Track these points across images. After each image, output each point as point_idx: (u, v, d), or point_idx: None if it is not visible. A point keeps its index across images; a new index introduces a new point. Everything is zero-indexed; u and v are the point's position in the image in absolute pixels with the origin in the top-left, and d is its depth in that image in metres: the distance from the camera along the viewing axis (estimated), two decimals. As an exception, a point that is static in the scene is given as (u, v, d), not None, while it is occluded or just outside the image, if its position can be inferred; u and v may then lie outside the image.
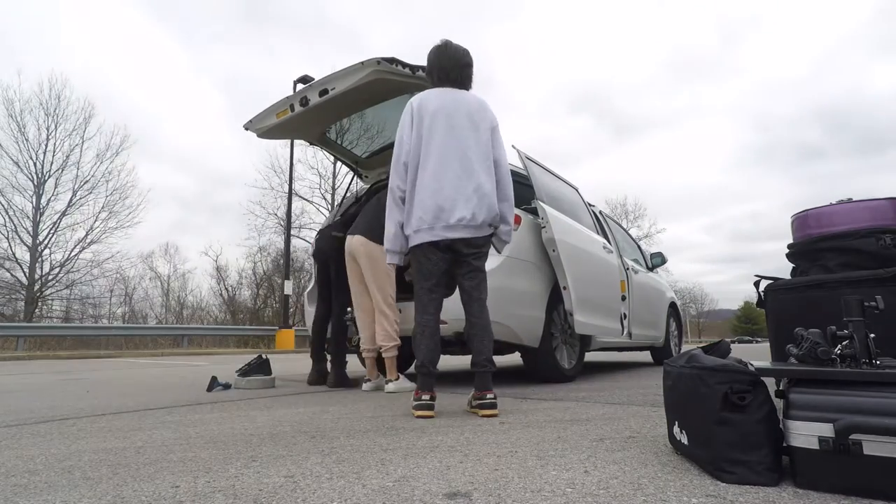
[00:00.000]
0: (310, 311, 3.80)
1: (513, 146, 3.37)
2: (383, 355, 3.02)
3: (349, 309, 3.38)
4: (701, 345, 1.50)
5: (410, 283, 3.18)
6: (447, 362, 6.37)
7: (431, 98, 2.24)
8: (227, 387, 3.27)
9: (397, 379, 3.03)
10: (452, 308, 2.92)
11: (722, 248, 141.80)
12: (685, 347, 4.10)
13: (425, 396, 2.06)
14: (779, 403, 1.11)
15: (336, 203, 7.18)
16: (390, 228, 2.22)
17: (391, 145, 3.96)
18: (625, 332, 4.23)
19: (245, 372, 3.43)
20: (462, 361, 6.50)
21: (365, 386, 3.14)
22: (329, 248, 3.48)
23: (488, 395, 2.07)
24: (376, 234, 2.99)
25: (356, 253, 3.07)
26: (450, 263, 2.19)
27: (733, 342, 33.88)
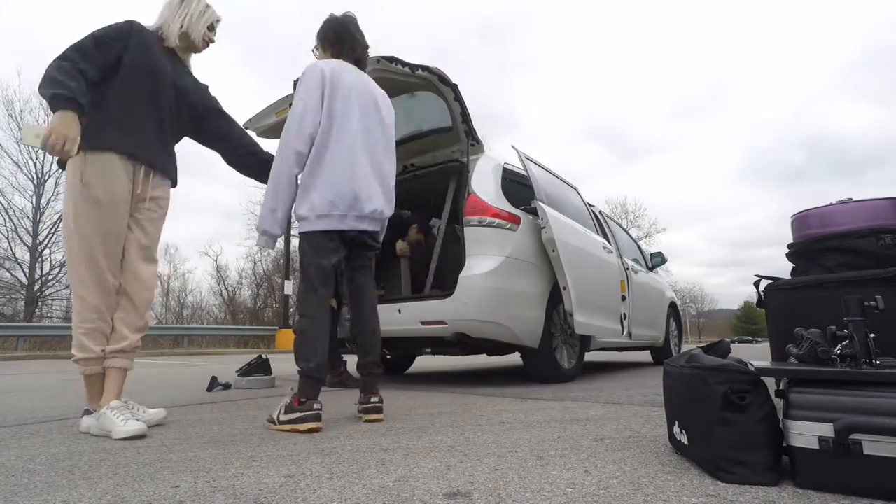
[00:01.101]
0: None
1: (512, 146, 3.37)
2: (115, 364, 1.86)
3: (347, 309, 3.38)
4: (701, 345, 1.50)
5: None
6: (448, 362, 6.37)
7: (345, 72, 2.03)
8: (227, 387, 3.27)
9: (120, 405, 1.81)
10: (453, 308, 2.92)
11: (719, 253, 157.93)
12: (685, 347, 4.10)
13: (317, 406, 1.78)
14: (779, 403, 1.11)
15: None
16: (276, 205, 1.92)
17: None
18: (625, 333, 4.23)
19: (245, 372, 3.43)
20: (462, 361, 6.50)
21: (84, 422, 1.84)
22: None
23: (373, 399, 1.97)
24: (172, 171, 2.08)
25: (150, 186, 1.99)
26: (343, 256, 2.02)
27: (733, 342, 33.84)
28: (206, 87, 2.19)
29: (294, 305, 19.36)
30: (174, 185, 2.12)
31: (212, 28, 2.13)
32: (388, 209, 2.07)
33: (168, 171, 2.06)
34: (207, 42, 2.13)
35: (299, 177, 1.95)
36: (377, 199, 2.00)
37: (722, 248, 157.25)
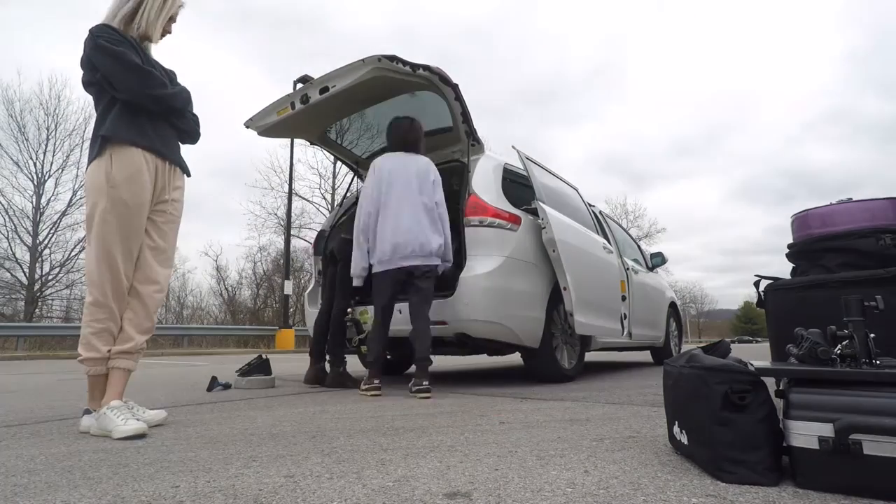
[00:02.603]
0: (311, 311, 3.80)
1: (512, 146, 3.37)
2: (119, 364, 1.87)
3: (349, 310, 3.38)
4: (701, 345, 1.50)
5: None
6: (447, 362, 6.37)
7: (381, 163, 2.99)
8: (227, 387, 3.27)
9: (121, 405, 1.80)
10: (453, 309, 2.92)
11: (715, 260, 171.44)
12: (685, 347, 4.10)
13: (376, 381, 2.81)
14: (779, 403, 1.11)
15: (336, 203, 7.18)
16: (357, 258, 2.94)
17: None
18: (625, 333, 4.23)
19: (245, 372, 3.43)
20: (462, 361, 6.50)
21: (84, 422, 1.84)
22: (340, 250, 3.43)
23: (424, 382, 2.70)
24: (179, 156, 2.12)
25: (170, 188, 2.03)
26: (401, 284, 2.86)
27: (733, 342, 33.81)
28: (173, 74, 2.13)
29: (293, 306, 19.38)
30: (189, 174, 2.15)
31: (173, 18, 2.07)
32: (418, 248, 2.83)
33: (182, 162, 2.09)
34: (165, 34, 2.07)
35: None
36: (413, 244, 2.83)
37: (717, 255, 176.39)
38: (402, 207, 2.84)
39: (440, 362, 6.40)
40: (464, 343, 3.06)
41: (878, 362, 1.12)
